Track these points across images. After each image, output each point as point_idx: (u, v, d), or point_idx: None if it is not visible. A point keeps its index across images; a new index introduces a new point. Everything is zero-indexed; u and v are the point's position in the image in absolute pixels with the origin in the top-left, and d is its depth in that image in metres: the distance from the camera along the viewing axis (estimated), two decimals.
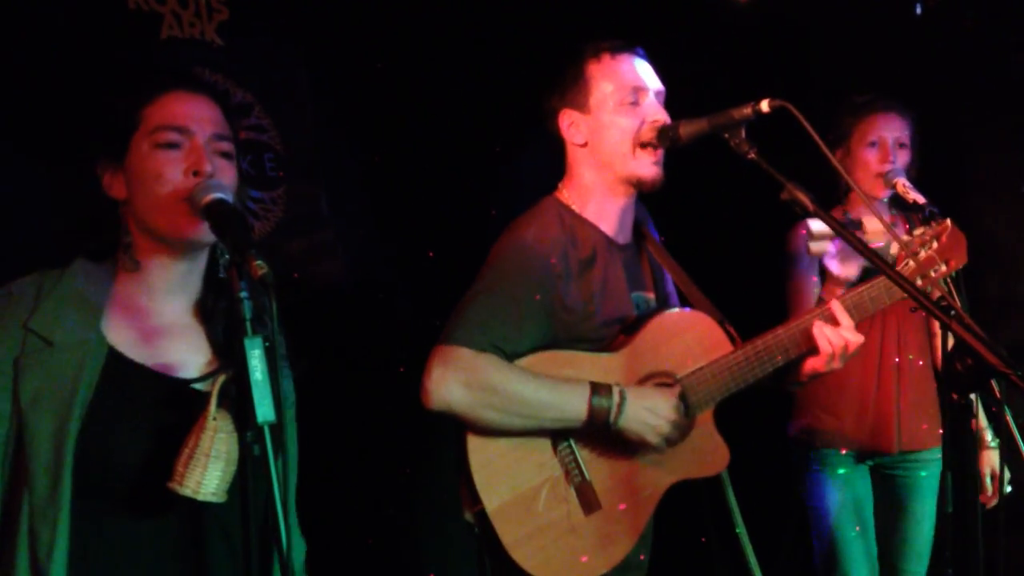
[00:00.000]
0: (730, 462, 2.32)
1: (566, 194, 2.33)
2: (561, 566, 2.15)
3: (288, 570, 1.42)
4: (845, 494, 3.16)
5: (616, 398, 2.13)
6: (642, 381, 2.24)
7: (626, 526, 2.22)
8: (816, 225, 2.77)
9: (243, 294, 1.48)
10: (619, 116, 2.25)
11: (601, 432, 2.16)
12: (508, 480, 2.12)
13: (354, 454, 2.93)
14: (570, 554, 2.16)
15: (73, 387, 1.57)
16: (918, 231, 2.35)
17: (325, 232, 3.08)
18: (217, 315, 1.73)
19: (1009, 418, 2.81)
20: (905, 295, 2.21)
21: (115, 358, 1.63)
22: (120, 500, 1.60)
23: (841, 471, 3.16)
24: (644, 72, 2.30)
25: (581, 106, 2.28)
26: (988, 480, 3.13)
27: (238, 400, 1.49)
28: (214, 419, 1.55)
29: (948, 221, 2.34)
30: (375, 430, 3.01)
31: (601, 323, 2.23)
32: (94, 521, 1.60)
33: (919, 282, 2.29)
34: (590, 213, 2.30)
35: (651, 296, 2.39)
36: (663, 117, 2.25)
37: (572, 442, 2.18)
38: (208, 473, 1.53)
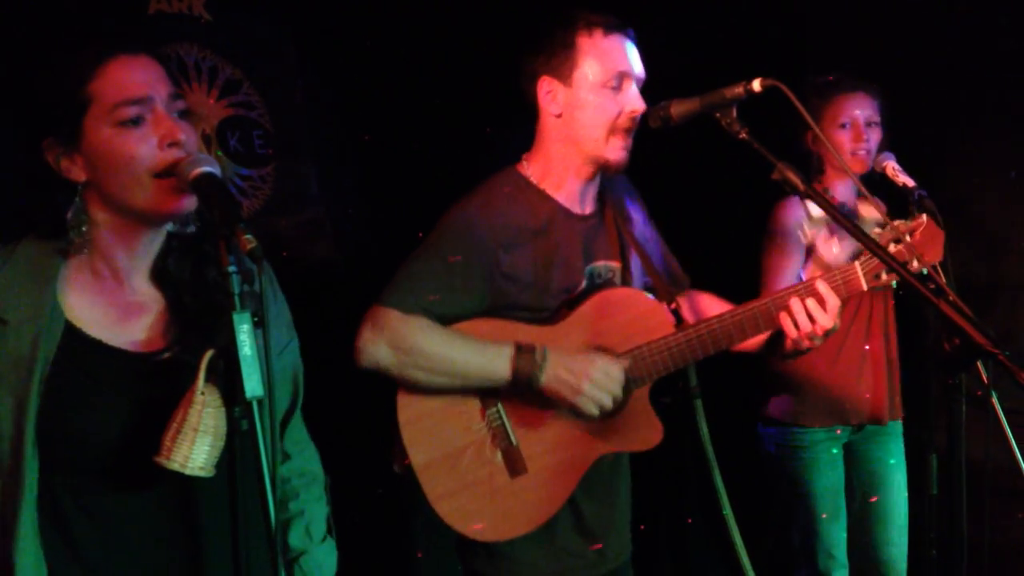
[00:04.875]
0: (662, 441, 2.32)
1: (526, 164, 2.33)
2: (479, 522, 2.21)
3: (277, 545, 1.42)
4: (827, 476, 3.19)
5: (538, 358, 2.16)
6: (579, 353, 2.23)
7: (550, 492, 2.26)
8: (816, 209, 2.76)
9: (232, 268, 1.46)
10: (599, 97, 2.23)
11: (526, 392, 2.19)
12: (434, 439, 2.20)
13: (342, 434, 2.92)
14: (490, 513, 2.21)
15: (30, 364, 1.55)
16: (896, 223, 2.27)
17: (315, 210, 3.07)
18: (173, 276, 1.70)
19: (995, 401, 2.83)
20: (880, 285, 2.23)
21: (72, 333, 1.60)
22: (99, 476, 1.59)
23: (824, 454, 3.18)
24: (632, 57, 2.27)
25: (563, 77, 2.25)
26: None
27: (226, 375, 1.48)
28: (202, 393, 1.54)
29: (924, 216, 2.25)
30: (363, 409, 3.00)
31: (545, 292, 2.24)
32: (74, 499, 1.59)
33: (883, 277, 2.23)
34: (549, 184, 2.30)
35: (615, 264, 2.38)
36: (641, 107, 2.24)
37: (501, 407, 2.22)
38: (196, 447, 1.52)
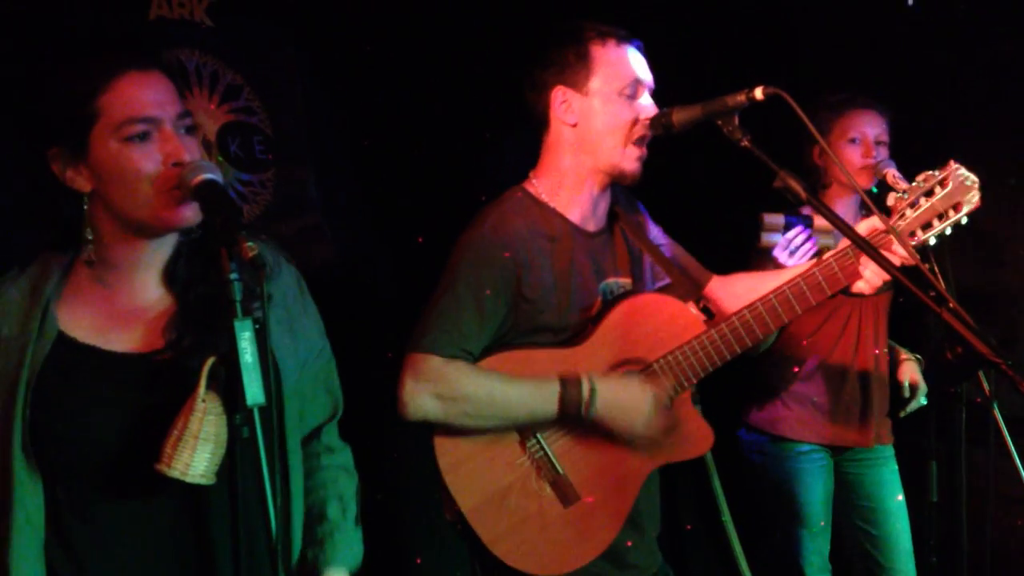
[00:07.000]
0: (714, 444, 2.29)
1: (535, 183, 2.29)
2: (544, 558, 2.16)
3: (278, 551, 1.42)
4: (816, 486, 3.16)
5: (586, 393, 2.13)
6: (612, 369, 2.22)
7: (608, 513, 2.22)
8: (768, 217, 2.78)
9: (233, 275, 1.47)
10: (616, 105, 2.22)
11: (576, 422, 2.16)
12: (478, 481, 2.15)
13: (341, 439, 2.92)
14: (551, 546, 2.17)
15: (16, 372, 1.56)
16: (920, 177, 2.20)
17: (314, 215, 3.07)
18: (181, 281, 1.70)
19: (996, 412, 2.82)
20: None
21: (64, 343, 1.61)
22: (100, 485, 1.58)
23: (811, 465, 3.16)
24: (643, 66, 2.27)
25: (579, 86, 2.22)
26: (907, 385, 3.13)
27: (227, 382, 1.48)
28: (203, 401, 1.53)
29: (952, 163, 2.18)
30: (362, 415, 2.99)
31: (566, 311, 2.21)
32: (76, 509, 1.59)
33: (919, 234, 2.18)
34: (559, 202, 2.26)
35: (626, 281, 2.35)
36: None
37: (540, 439, 2.18)
38: (197, 455, 1.51)
